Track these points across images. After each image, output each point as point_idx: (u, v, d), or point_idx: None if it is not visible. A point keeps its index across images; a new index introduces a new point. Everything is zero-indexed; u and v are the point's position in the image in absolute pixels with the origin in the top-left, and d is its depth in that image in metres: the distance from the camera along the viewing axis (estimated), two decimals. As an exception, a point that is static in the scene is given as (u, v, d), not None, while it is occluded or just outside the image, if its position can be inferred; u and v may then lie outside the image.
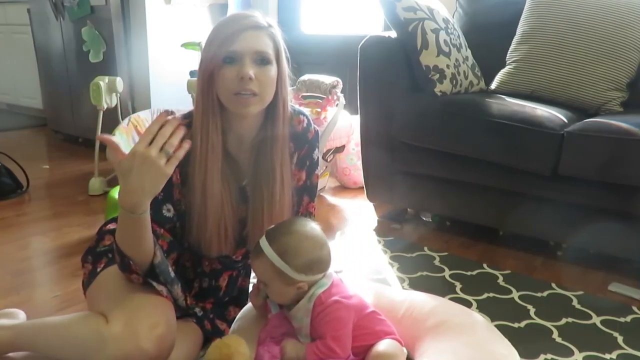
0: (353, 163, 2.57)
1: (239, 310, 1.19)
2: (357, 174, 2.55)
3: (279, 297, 1.04)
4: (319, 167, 1.20)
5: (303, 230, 1.02)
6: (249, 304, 1.19)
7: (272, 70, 1.02)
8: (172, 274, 1.05)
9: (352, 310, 1.02)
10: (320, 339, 0.99)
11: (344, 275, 1.08)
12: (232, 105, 1.01)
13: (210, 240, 1.08)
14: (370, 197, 2.16)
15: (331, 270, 1.06)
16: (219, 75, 1.00)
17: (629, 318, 1.41)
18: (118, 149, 0.91)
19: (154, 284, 1.00)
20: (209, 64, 1.01)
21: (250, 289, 1.33)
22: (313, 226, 1.04)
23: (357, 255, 1.78)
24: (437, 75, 1.89)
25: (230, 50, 0.98)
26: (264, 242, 1.01)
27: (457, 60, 1.96)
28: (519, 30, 2.05)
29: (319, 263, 1.02)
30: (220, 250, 1.10)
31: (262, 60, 1.00)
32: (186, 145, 0.88)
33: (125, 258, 0.97)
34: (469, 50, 2.10)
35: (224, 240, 1.09)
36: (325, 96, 2.40)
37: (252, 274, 1.36)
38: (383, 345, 1.02)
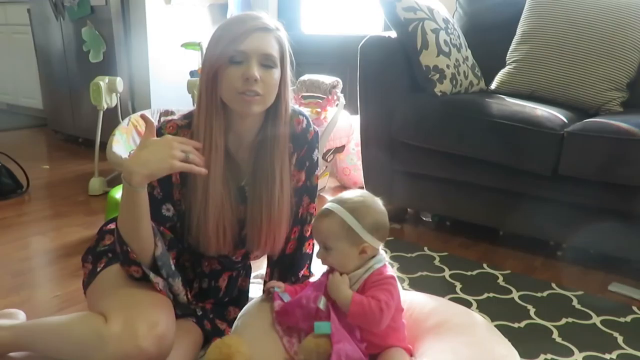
0: (353, 163, 2.57)
1: (239, 311, 1.19)
2: (357, 174, 2.55)
3: (341, 260, 1.03)
4: (318, 168, 1.20)
5: (368, 195, 1.06)
6: (250, 303, 1.18)
7: (277, 73, 1.02)
8: (173, 267, 1.05)
9: (398, 294, 1.02)
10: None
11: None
12: (235, 104, 1.01)
13: (209, 239, 1.08)
14: (370, 197, 2.16)
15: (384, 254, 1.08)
16: (223, 74, 0.99)
17: (629, 318, 1.41)
18: (153, 129, 0.97)
19: (151, 275, 1.00)
20: (215, 63, 1.00)
21: (251, 289, 1.34)
22: (375, 197, 1.08)
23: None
24: (437, 75, 1.89)
25: (238, 50, 0.98)
26: (331, 204, 1.04)
27: (457, 60, 1.96)
28: (519, 30, 2.05)
29: (384, 228, 1.04)
30: (218, 249, 1.10)
31: (267, 63, 1.00)
32: (200, 169, 0.96)
33: (125, 246, 0.98)
34: (469, 50, 2.10)
35: (223, 240, 1.09)
36: (325, 96, 2.40)
37: (252, 274, 1.37)
38: (398, 355, 1.01)
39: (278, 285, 1.11)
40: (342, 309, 0.98)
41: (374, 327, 0.97)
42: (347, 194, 1.07)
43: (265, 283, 1.25)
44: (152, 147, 0.93)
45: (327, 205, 1.05)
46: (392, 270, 1.06)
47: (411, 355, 1.04)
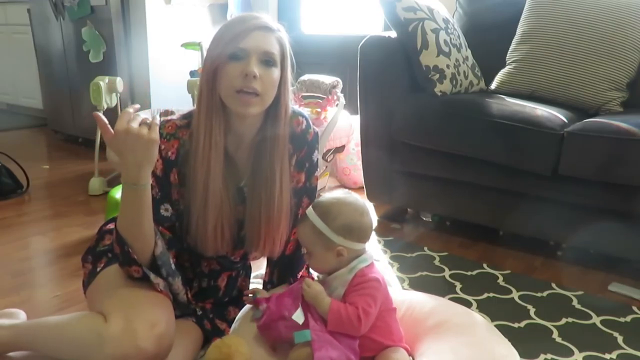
0: (353, 163, 2.57)
1: (239, 310, 1.19)
2: (357, 174, 2.55)
3: (320, 264, 1.05)
4: (318, 168, 1.20)
5: (345, 197, 1.06)
6: (248, 305, 1.18)
7: (276, 72, 1.02)
8: (173, 267, 1.05)
9: (383, 296, 1.02)
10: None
11: (378, 265, 1.09)
12: (233, 104, 1.01)
13: (207, 239, 1.08)
14: (370, 197, 2.16)
15: (371, 253, 1.08)
16: (223, 71, 0.99)
17: (629, 318, 1.41)
18: (106, 128, 0.91)
19: (152, 276, 1.00)
20: (215, 61, 1.00)
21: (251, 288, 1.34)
22: (356, 196, 1.07)
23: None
24: (437, 75, 1.89)
25: (238, 47, 0.98)
26: (309, 209, 1.05)
27: (457, 60, 1.96)
28: (519, 30, 2.05)
29: (359, 229, 1.03)
30: (216, 250, 1.10)
31: (267, 62, 1.00)
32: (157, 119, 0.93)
33: (125, 246, 0.98)
34: (469, 50, 2.10)
35: (221, 240, 1.09)
36: (325, 96, 2.40)
37: (252, 274, 1.37)
38: (395, 353, 1.01)
39: (259, 291, 1.11)
40: (322, 317, 0.97)
41: (353, 333, 0.98)
42: (325, 196, 1.07)
43: (265, 283, 1.25)
44: (123, 147, 0.90)
45: (307, 209, 1.06)
46: (379, 270, 1.05)
47: (409, 354, 1.04)
